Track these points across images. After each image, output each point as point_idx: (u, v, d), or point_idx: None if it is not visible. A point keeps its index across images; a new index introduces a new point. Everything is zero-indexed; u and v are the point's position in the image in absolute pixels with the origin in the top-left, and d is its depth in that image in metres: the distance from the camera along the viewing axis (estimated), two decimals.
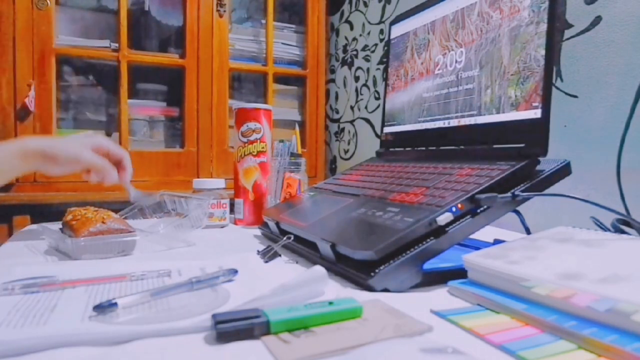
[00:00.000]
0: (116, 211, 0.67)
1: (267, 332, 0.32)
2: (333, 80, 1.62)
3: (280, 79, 1.48)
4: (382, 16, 1.34)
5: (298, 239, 0.58)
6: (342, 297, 0.37)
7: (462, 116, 0.63)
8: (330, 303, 0.35)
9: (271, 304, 0.35)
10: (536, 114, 0.52)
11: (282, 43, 1.47)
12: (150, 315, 0.36)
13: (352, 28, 1.50)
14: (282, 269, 0.52)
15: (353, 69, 1.49)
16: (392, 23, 0.83)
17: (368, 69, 1.41)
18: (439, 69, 0.69)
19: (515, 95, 0.55)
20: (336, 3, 1.58)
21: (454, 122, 0.65)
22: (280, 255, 0.57)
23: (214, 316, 0.32)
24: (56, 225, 0.65)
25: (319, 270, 0.40)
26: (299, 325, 0.33)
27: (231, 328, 0.31)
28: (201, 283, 0.42)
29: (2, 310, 0.36)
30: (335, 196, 0.66)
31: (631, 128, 0.53)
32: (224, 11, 1.32)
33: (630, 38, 0.67)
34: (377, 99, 1.36)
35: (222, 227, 0.83)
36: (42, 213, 1.09)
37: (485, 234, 0.54)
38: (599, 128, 0.71)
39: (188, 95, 1.29)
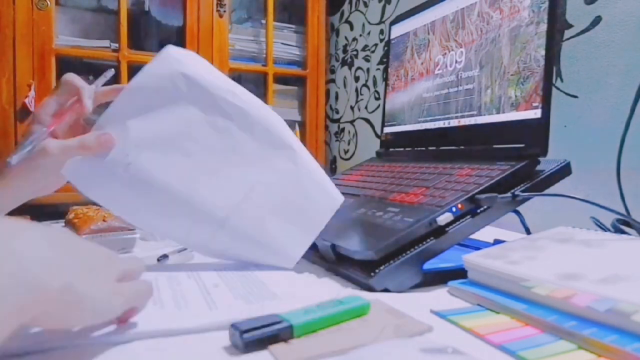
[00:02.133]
0: None
1: (291, 336, 0.31)
2: (333, 81, 1.62)
3: (280, 79, 1.48)
4: (382, 16, 1.34)
5: None
6: (342, 295, 0.37)
7: (462, 116, 0.63)
8: (339, 302, 0.35)
9: (271, 305, 0.35)
10: (536, 114, 0.52)
11: (282, 43, 1.47)
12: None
13: (352, 28, 1.50)
14: (276, 270, 0.51)
15: (353, 69, 1.49)
16: (392, 23, 0.83)
17: (368, 69, 1.41)
18: (439, 69, 0.69)
19: (515, 96, 0.55)
20: (336, 3, 1.58)
21: (454, 122, 0.65)
22: None
23: (234, 326, 0.31)
24: (59, 225, 0.66)
25: None
26: (319, 326, 0.32)
27: (259, 336, 0.30)
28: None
29: None
30: None
31: (631, 128, 0.53)
32: (224, 11, 1.32)
33: (630, 38, 0.67)
34: (377, 99, 1.36)
35: None
36: (42, 213, 1.09)
37: (485, 234, 0.54)
38: (599, 128, 0.71)
39: None
